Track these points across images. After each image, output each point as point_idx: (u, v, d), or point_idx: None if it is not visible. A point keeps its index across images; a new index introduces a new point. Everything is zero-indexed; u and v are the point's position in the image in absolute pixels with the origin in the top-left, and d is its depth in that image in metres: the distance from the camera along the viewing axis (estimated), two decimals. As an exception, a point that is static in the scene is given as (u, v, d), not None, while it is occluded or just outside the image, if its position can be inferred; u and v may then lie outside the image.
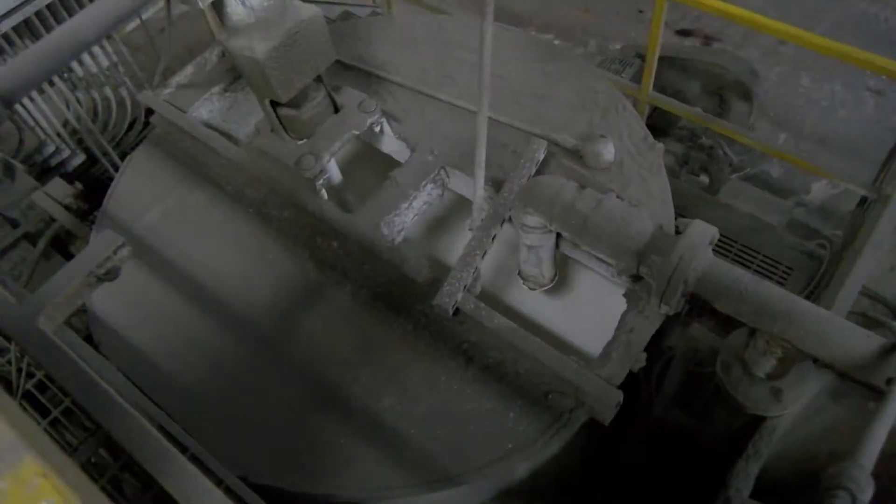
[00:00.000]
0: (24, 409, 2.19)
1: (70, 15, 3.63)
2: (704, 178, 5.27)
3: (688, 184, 4.93)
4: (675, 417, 2.71)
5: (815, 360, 1.97)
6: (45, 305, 1.34)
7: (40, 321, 1.32)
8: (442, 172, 2.61)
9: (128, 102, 4.18)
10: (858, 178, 3.68)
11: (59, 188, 3.37)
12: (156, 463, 1.17)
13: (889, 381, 1.72)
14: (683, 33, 6.55)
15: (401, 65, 3.01)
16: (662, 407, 2.73)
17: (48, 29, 3.55)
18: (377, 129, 2.73)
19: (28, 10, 3.36)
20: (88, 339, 2.40)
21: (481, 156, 2.16)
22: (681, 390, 2.71)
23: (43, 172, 3.88)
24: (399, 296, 2.37)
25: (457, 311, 2.23)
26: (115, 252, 1.42)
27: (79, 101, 3.94)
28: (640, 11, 6.61)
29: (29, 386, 2.20)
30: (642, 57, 4.54)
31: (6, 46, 3.41)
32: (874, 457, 1.52)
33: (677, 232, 2.23)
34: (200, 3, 2.13)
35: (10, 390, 2.15)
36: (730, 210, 4.48)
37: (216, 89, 3.01)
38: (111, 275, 1.44)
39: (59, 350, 1.31)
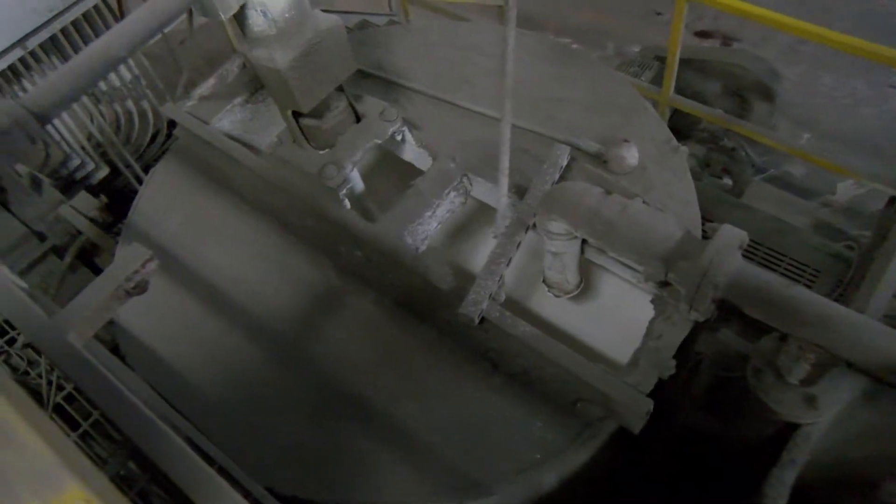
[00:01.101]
0: (55, 420, 2.21)
1: (95, 32, 3.68)
2: (727, 181, 5.21)
3: (711, 186, 4.87)
4: (703, 423, 2.67)
5: (850, 365, 1.93)
6: (74, 320, 1.35)
7: (70, 335, 1.32)
8: (464, 180, 2.60)
9: (150, 114, 4.23)
10: (885, 176, 3.62)
11: (84, 201, 3.41)
12: (184, 475, 1.17)
13: (929, 387, 1.68)
14: (702, 34, 6.50)
15: (420, 72, 3.01)
16: (691, 412, 2.69)
17: (73, 46, 3.60)
18: (399, 137, 2.73)
19: (54, 28, 3.40)
20: (115, 349, 2.42)
21: (505, 162, 2.15)
22: (709, 395, 2.67)
23: (68, 186, 3.92)
24: (423, 304, 2.36)
25: (482, 320, 2.22)
26: (143, 266, 1.43)
27: (102, 115, 3.99)
28: (658, 13, 6.57)
29: (59, 399, 2.22)
30: (661, 59, 4.51)
31: (33, 63, 3.45)
32: None
33: (705, 236, 2.20)
34: (222, 15, 2.14)
35: (40, 403, 2.17)
36: (754, 212, 4.42)
37: (238, 100, 3.02)
38: (139, 288, 1.45)
39: (88, 364, 1.31)
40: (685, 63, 4.40)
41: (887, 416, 2.13)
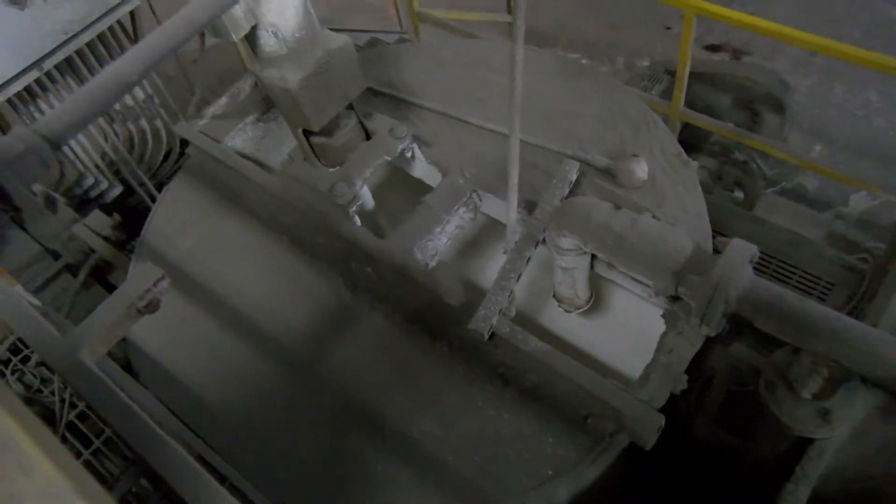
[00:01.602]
0: (67, 439, 2.22)
1: (110, 53, 3.73)
2: (739, 194, 5.19)
3: (722, 199, 4.86)
4: (718, 437, 2.65)
5: (865, 380, 1.91)
6: (87, 338, 1.36)
7: (83, 354, 1.34)
8: (474, 196, 2.61)
9: (163, 133, 4.27)
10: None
11: (98, 220, 3.44)
12: (194, 493, 1.17)
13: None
14: (712, 48, 6.51)
15: (430, 89, 3.03)
16: (705, 427, 2.67)
17: (88, 67, 3.65)
18: (408, 154, 2.75)
19: (69, 49, 3.45)
20: (127, 366, 2.43)
21: (514, 178, 2.15)
22: (722, 410, 2.65)
23: (82, 204, 3.97)
24: (433, 319, 2.37)
25: (492, 335, 2.22)
26: (154, 284, 1.44)
27: (116, 134, 4.04)
28: (668, 28, 6.58)
29: (72, 416, 2.23)
30: (671, 73, 4.52)
31: (49, 84, 3.50)
32: None
33: (715, 250, 2.19)
34: (233, 36, 2.18)
35: (53, 421, 2.19)
36: (766, 225, 4.40)
37: (249, 119, 3.05)
38: (152, 307, 1.46)
39: (101, 383, 1.33)
40: (695, 77, 4.41)
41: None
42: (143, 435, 1.26)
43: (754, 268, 2.08)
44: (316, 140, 2.56)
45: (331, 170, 2.61)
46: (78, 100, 1.56)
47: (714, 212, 2.64)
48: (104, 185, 4.06)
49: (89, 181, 3.99)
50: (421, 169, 2.83)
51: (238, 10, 2.10)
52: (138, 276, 1.47)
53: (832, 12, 6.23)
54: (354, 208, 2.56)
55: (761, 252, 4.09)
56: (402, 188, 2.92)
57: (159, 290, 1.46)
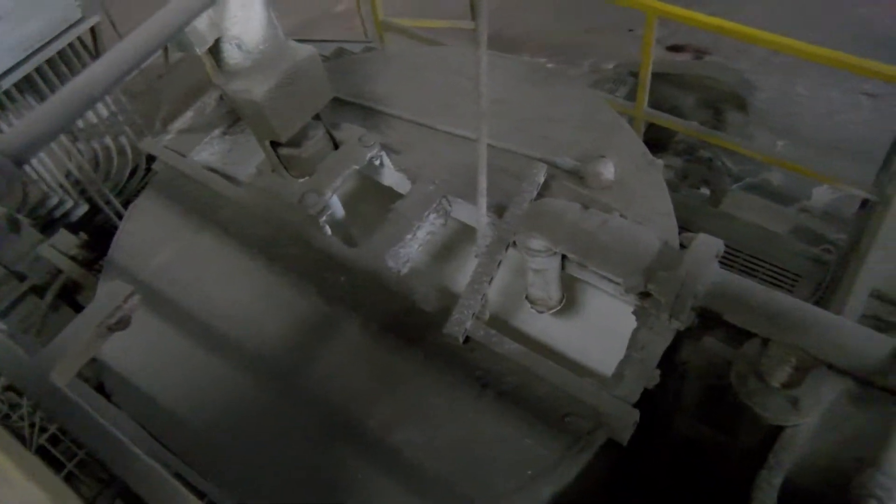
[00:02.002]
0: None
1: (71, 70, 3.69)
2: (705, 191, 5.28)
3: (689, 197, 4.93)
4: (696, 431, 2.69)
5: (832, 367, 1.96)
6: (57, 359, 1.35)
7: (53, 375, 1.32)
8: (444, 201, 2.62)
9: (128, 150, 4.22)
10: (859, 180, 3.69)
11: (64, 240, 3.39)
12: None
13: (908, 385, 1.71)
14: (675, 49, 6.62)
15: (397, 98, 3.04)
16: (683, 421, 2.71)
17: (49, 84, 3.61)
18: (377, 162, 2.75)
19: (28, 67, 3.41)
20: (100, 387, 2.40)
21: (483, 182, 2.17)
22: (701, 404, 2.69)
23: (47, 224, 3.90)
24: (409, 326, 2.37)
25: (467, 339, 2.23)
26: (124, 301, 1.43)
27: (80, 152, 3.98)
28: (630, 30, 6.68)
29: (42, 440, 2.19)
30: (636, 75, 4.59)
31: (7, 103, 3.45)
32: None
33: (682, 247, 2.23)
34: (197, 50, 2.17)
35: (24, 445, 2.14)
36: (733, 220, 4.48)
37: (216, 132, 3.04)
38: (122, 324, 1.45)
39: (73, 404, 1.31)
40: (659, 77, 4.49)
41: (877, 418, 2.16)
42: (120, 454, 1.24)
43: (722, 262, 2.12)
44: (284, 151, 2.56)
45: (300, 180, 2.61)
46: (41, 115, 1.54)
47: (681, 209, 2.69)
48: (69, 204, 4.01)
49: (53, 201, 3.93)
50: (390, 177, 2.84)
51: (202, 24, 2.09)
52: (107, 294, 1.45)
53: (799, 12, 6.37)
54: (325, 218, 2.56)
55: (729, 247, 4.18)
56: (372, 197, 2.93)
57: (129, 306, 1.44)
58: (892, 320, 2.85)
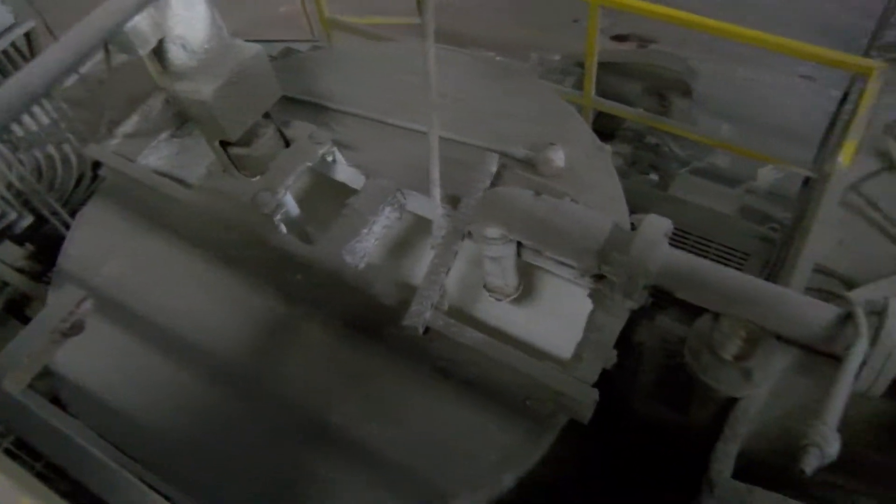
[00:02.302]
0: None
1: (5, 76, 3.59)
2: (654, 176, 5.39)
3: (638, 183, 5.04)
4: (655, 411, 2.75)
5: (780, 338, 2.03)
6: (10, 366, 1.32)
7: (5, 383, 1.29)
8: (398, 195, 2.63)
9: (73, 158, 4.12)
10: (799, 159, 3.82)
11: (9, 252, 3.30)
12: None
13: (847, 347, 1.79)
14: (619, 38, 6.73)
15: (347, 94, 3.04)
16: (641, 402, 2.77)
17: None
18: (329, 158, 2.75)
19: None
20: (55, 401, 2.34)
21: (435, 173, 2.19)
22: (657, 383, 2.75)
23: (-14, 242, 3.79)
24: (370, 321, 2.38)
25: (427, 330, 2.25)
26: (77, 306, 1.41)
27: (21, 162, 3.87)
28: (575, 21, 6.77)
29: (7, 444, 2.14)
30: (582, 65, 4.66)
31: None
32: (838, 414, 1.68)
33: (633, 228, 2.29)
34: (140, 51, 2.13)
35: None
36: (682, 204, 4.59)
37: (163, 136, 2.99)
38: (76, 329, 1.42)
39: (30, 411, 1.29)
40: (605, 67, 4.56)
41: (823, 385, 2.25)
42: (80, 459, 1.23)
43: (673, 244, 2.18)
44: (234, 151, 2.54)
45: (252, 180, 2.59)
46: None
47: (630, 195, 2.75)
48: (12, 215, 3.89)
49: (-6, 212, 3.82)
50: (344, 173, 2.83)
51: (144, 24, 2.06)
52: (59, 300, 1.43)
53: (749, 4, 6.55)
54: (279, 217, 2.54)
55: (679, 229, 4.27)
56: (326, 193, 2.92)
57: (82, 311, 1.42)
58: (834, 291, 2.96)
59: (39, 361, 1.38)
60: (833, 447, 1.66)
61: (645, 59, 5.81)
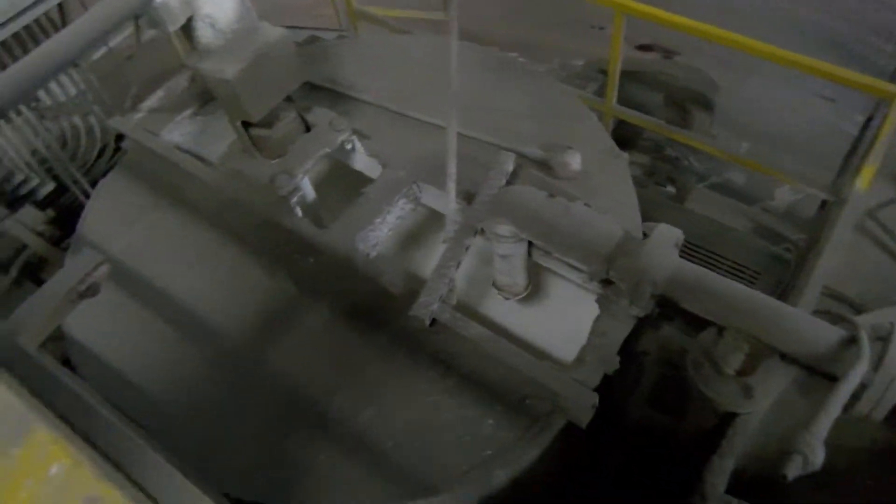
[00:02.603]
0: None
1: (36, 43, 3.64)
2: (671, 189, 5.38)
3: (655, 194, 5.03)
4: (652, 419, 2.77)
5: (783, 357, 2.04)
6: (25, 323, 1.35)
7: (21, 339, 1.32)
8: (414, 187, 2.65)
9: (97, 130, 4.18)
10: (817, 181, 3.80)
11: (30, 216, 3.36)
12: (148, 476, 1.18)
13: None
14: (644, 48, 6.71)
15: (370, 84, 3.07)
16: (639, 410, 2.78)
17: (15, 60, 3.55)
18: (348, 146, 2.78)
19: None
20: (65, 363, 2.39)
21: (452, 168, 2.21)
22: (656, 392, 2.77)
23: (12, 202, 3.85)
24: (376, 309, 2.41)
25: (433, 322, 2.27)
26: (94, 269, 1.44)
27: (47, 130, 3.93)
28: (601, 28, 6.76)
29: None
30: (604, 72, 4.66)
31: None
32: (827, 427, 1.70)
33: (645, 236, 2.29)
34: (169, 27, 2.17)
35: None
36: (696, 217, 4.59)
37: (187, 112, 3.03)
38: (91, 291, 1.46)
39: (44, 369, 1.32)
40: (628, 76, 4.56)
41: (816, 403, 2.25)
42: (91, 420, 1.25)
43: (686, 256, 2.19)
44: (255, 132, 2.57)
45: (271, 162, 2.62)
46: (4, 80, 1.53)
47: (646, 204, 2.76)
48: (35, 181, 3.96)
49: (19, 178, 3.89)
50: (361, 161, 2.86)
51: (174, 1, 2.10)
52: (77, 262, 1.46)
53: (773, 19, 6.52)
54: (295, 200, 2.57)
55: (692, 242, 4.27)
56: (342, 180, 2.94)
57: (99, 274, 1.45)
58: (841, 314, 2.96)
59: (55, 320, 1.41)
60: (817, 457, 1.68)
61: (668, 71, 5.80)
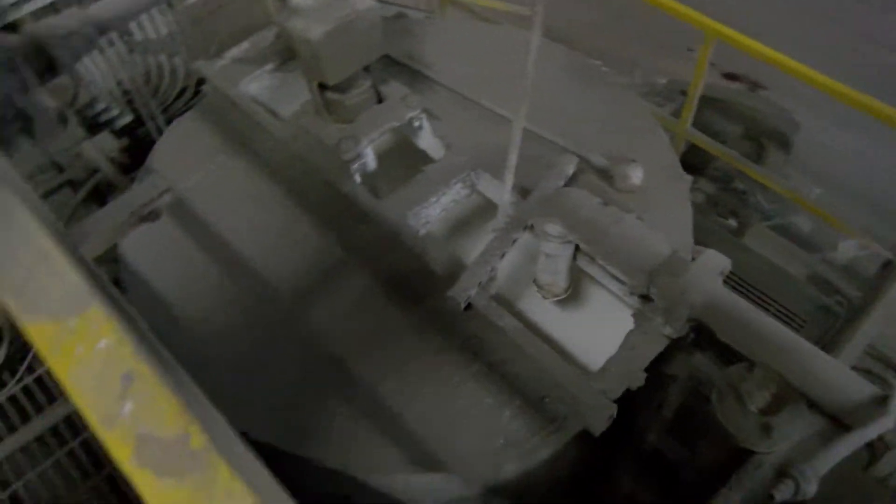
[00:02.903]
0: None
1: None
2: (732, 222, 5.29)
3: (714, 223, 4.95)
4: (667, 444, 2.75)
5: (811, 404, 2.01)
6: (88, 235, 1.44)
7: (84, 248, 1.41)
8: (472, 174, 2.69)
9: (180, 71, 4.33)
10: (886, 239, 3.69)
11: (106, 141, 3.51)
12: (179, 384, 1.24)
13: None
14: (730, 76, 6.58)
15: (448, 67, 3.11)
16: (655, 432, 2.77)
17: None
18: (416, 124, 2.82)
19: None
20: (115, 282, 2.51)
21: (512, 160, 2.24)
22: (675, 418, 2.75)
23: (92, 127, 4.03)
24: (416, 285, 2.46)
25: (469, 306, 2.30)
26: (159, 196, 1.52)
27: (134, 64, 4.10)
28: (690, 50, 6.65)
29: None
30: (685, 94, 4.60)
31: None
32: (828, 467, 1.75)
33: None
34: (265, -19, 2.25)
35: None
36: (752, 255, 4.49)
37: (267, 67, 3.12)
38: (153, 216, 1.54)
39: (100, 278, 1.40)
40: (708, 102, 4.50)
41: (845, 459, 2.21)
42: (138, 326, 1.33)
43: (735, 293, 2.17)
44: (329, 96, 2.64)
45: (339, 126, 2.69)
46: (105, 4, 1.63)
47: (702, 232, 2.74)
48: (115, 111, 4.13)
49: (101, 105, 4.06)
50: (426, 140, 2.91)
51: (274, -44, 2.17)
52: (144, 186, 1.54)
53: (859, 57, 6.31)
54: (356, 166, 2.64)
55: (742, 279, 4.18)
56: (404, 156, 3.00)
57: (162, 201, 1.53)
58: (880, 374, 2.89)
59: (114, 237, 1.50)
60: (810, 489, 1.72)
61: (750, 103, 5.68)
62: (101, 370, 0.79)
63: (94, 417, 0.77)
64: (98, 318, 0.83)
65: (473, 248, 2.60)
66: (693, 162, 4.87)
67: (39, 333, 0.81)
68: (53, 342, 0.81)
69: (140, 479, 0.72)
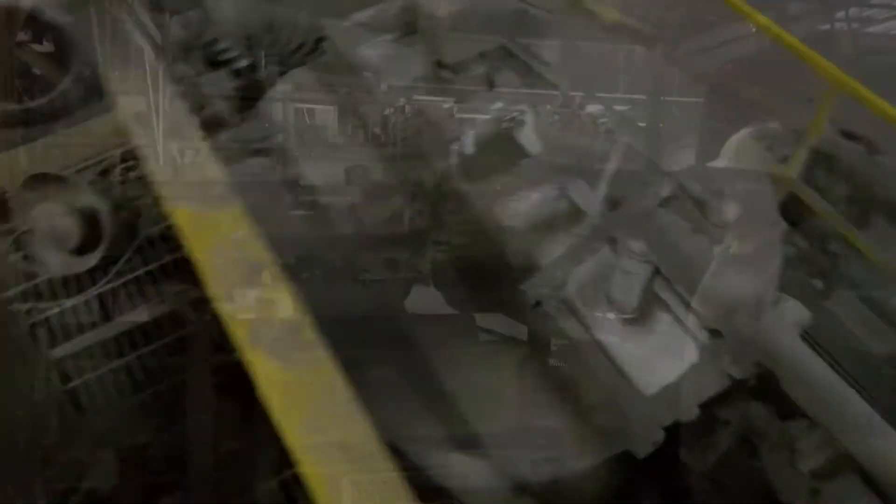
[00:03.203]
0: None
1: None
2: (819, 283, 5.07)
3: (799, 279, 4.77)
4: (702, 488, 2.68)
5: (865, 479, 1.93)
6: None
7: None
8: (567, 177, 2.68)
9: (302, 25, 4.44)
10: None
11: (223, 79, 3.65)
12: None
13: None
14: (848, 135, 6.30)
15: (562, 68, 3.10)
16: (696, 473, 2.71)
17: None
18: (521, 117, 2.84)
19: None
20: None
21: (610, 172, 2.23)
22: (719, 464, 2.68)
23: (212, 64, 4.18)
24: (490, 272, 2.48)
25: (538, 304, 2.31)
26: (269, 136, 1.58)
27: (260, 12, 4.23)
28: (810, 100, 6.40)
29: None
30: (798, 143, 4.43)
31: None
32: None
33: (772, 307, 2.22)
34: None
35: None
36: (833, 320, 4.30)
37: (388, 37, 3.18)
38: (264, 153, 1.59)
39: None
40: (819, 155, 4.32)
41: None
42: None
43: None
44: (443, 74, 2.68)
45: (444, 105, 2.73)
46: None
47: (787, 285, 2.64)
48: (235, 53, 4.27)
49: (223, 45, 4.21)
50: (526, 136, 2.91)
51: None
52: (257, 126, 1.61)
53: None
54: (456, 146, 2.67)
55: (817, 342, 4.01)
56: (502, 147, 3.01)
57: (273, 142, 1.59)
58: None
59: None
60: None
61: (864, 167, 5.42)
62: (234, 257, 0.87)
63: (219, 296, 0.86)
64: (237, 214, 0.91)
65: (553, 250, 2.60)
66: (791, 213, 4.70)
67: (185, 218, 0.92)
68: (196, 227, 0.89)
69: (253, 357, 0.80)
